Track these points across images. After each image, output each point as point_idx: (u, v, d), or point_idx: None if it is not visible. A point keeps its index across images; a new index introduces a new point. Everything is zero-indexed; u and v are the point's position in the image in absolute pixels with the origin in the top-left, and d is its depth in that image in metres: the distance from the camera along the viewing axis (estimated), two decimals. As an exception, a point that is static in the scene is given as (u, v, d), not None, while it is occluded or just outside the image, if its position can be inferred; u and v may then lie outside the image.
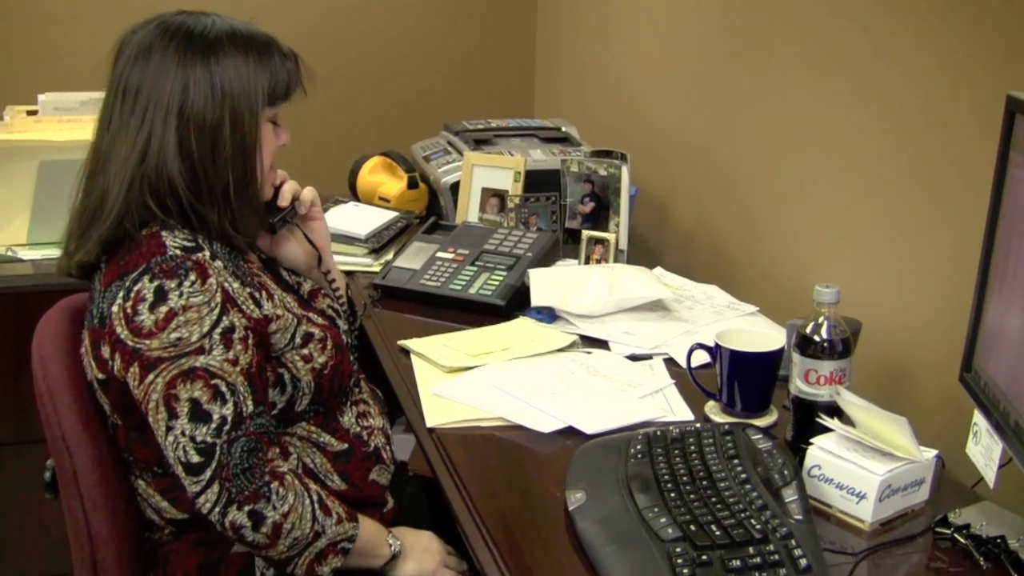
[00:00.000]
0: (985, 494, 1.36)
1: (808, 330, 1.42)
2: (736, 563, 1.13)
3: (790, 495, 1.24)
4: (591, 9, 3.01)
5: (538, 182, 2.32)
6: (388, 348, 1.82)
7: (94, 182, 1.43)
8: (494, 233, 2.16)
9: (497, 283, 1.99)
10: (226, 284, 1.38)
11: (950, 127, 1.59)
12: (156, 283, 1.34)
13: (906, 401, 1.64)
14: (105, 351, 1.38)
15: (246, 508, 1.32)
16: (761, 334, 1.59)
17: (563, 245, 2.22)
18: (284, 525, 1.34)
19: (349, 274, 2.12)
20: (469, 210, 2.35)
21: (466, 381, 1.66)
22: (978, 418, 1.29)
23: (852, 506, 1.30)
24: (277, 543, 1.35)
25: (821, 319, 1.41)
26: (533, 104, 3.48)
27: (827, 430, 1.37)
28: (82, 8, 3.01)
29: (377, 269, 2.18)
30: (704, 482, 1.27)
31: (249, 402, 1.35)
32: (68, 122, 2.41)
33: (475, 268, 2.04)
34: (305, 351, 1.47)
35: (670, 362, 1.75)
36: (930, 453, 1.34)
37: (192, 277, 1.35)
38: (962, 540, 1.26)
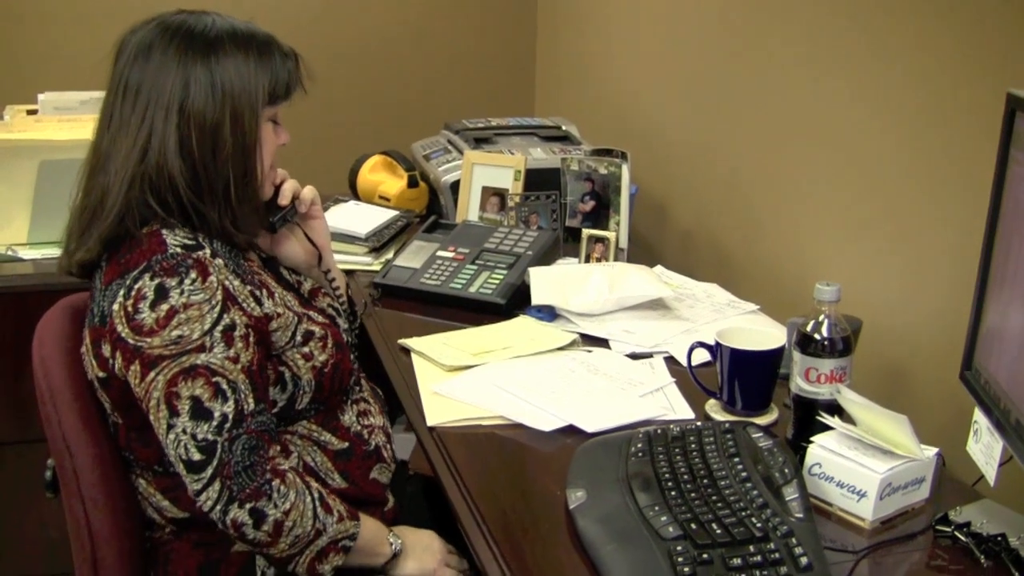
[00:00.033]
0: (986, 492, 1.36)
1: (809, 328, 1.42)
2: (737, 561, 1.13)
3: (791, 493, 1.24)
4: (591, 8, 3.01)
5: (538, 181, 2.32)
6: (388, 347, 1.82)
7: (94, 181, 1.43)
8: (494, 232, 2.16)
9: (497, 282, 1.99)
10: (227, 282, 1.38)
11: (950, 127, 1.59)
12: (157, 281, 1.34)
13: (906, 399, 1.64)
14: (106, 349, 1.38)
15: (247, 506, 1.32)
16: (761, 332, 1.59)
17: (563, 244, 2.22)
18: (285, 523, 1.34)
19: (349, 273, 2.12)
20: (469, 209, 2.35)
21: (466, 380, 1.66)
22: (978, 416, 1.29)
23: (853, 504, 1.30)
24: (278, 541, 1.35)
25: (822, 317, 1.41)
26: (533, 103, 3.48)
27: (828, 428, 1.37)
28: (82, 8, 3.01)
29: (377, 268, 2.18)
30: (705, 480, 1.27)
31: (250, 400, 1.35)
32: (68, 121, 2.40)
33: (475, 267, 2.04)
34: (306, 349, 1.47)
35: (670, 360, 1.75)
36: (931, 451, 1.34)
37: (193, 275, 1.35)
38: (963, 538, 1.26)
